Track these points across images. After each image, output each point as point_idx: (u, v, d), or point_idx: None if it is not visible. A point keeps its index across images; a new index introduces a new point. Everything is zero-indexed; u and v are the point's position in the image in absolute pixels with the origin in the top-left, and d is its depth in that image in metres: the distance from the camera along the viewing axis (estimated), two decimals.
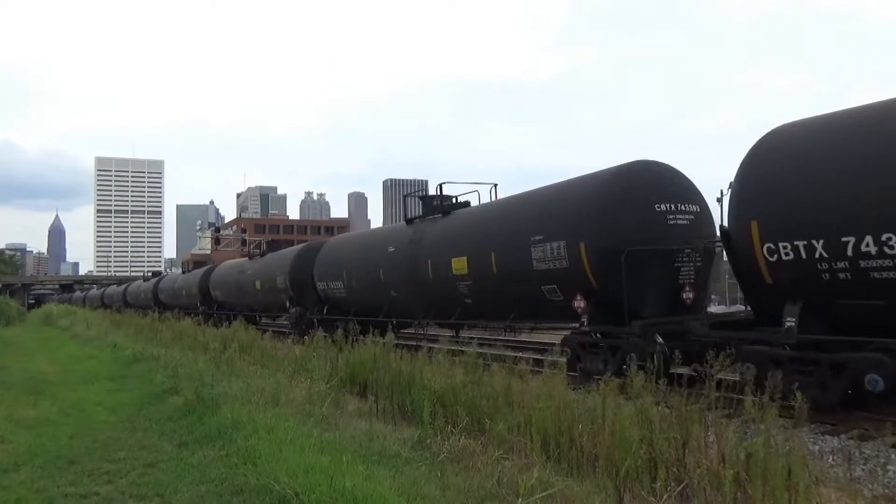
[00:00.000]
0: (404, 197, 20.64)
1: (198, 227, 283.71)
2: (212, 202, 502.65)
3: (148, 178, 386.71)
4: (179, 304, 41.81)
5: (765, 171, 9.24)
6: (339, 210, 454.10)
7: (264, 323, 33.02)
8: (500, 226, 14.33)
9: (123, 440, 8.07)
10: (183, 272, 46.19)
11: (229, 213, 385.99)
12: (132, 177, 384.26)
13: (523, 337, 17.91)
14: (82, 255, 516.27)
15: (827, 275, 8.29)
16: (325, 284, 22.40)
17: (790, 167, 8.90)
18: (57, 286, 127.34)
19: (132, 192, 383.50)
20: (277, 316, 30.50)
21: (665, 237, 11.32)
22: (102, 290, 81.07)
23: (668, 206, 11.56)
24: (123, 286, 66.81)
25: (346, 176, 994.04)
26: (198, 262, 50.25)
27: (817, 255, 8.29)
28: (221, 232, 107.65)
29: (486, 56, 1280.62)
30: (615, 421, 5.92)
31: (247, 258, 32.70)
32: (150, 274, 64.42)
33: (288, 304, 25.06)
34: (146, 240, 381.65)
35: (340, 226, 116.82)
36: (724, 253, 10.24)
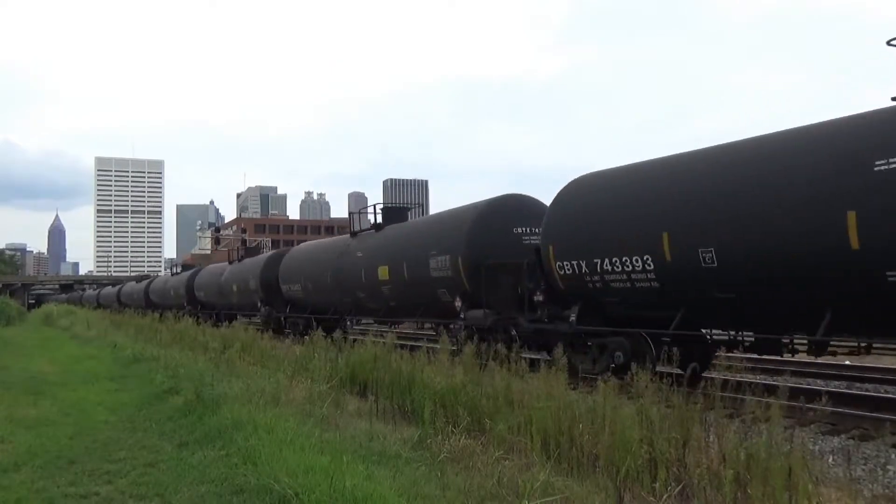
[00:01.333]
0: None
1: (198, 227, 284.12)
2: (212, 202, 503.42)
3: (148, 178, 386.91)
4: (227, 303, 32.96)
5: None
6: (339, 210, 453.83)
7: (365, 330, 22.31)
8: None
9: (123, 440, 8.06)
10: (230, 262, 35.31)
11: (229, 213, 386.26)
12: (132, 177, 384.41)
13: None
14: (82, 255, 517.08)
15: None
16: (598, 266, 11.17)
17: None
18: (57, 286, 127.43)
19: (132, 192, 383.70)
20: (396, 322, 20.36)
21: None
22: (119, 287, 69.81)
23: None
24: (145, 283, 55.92)
25: (346, 176, 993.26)
26: (252, 250, 38.57)
27: None
28: (221, 232, 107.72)
29: (486, 56, 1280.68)
30: (615, 421, 5.92)
31: (347, 235, 22.32)
32: (178, 268, 52.70)
33: (458, 304, 14.77)
34: (146, 240, 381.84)
35: (341, 225, 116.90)
36: None
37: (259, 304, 27.42)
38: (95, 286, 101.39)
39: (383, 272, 18.18)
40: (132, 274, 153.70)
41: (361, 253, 19.97)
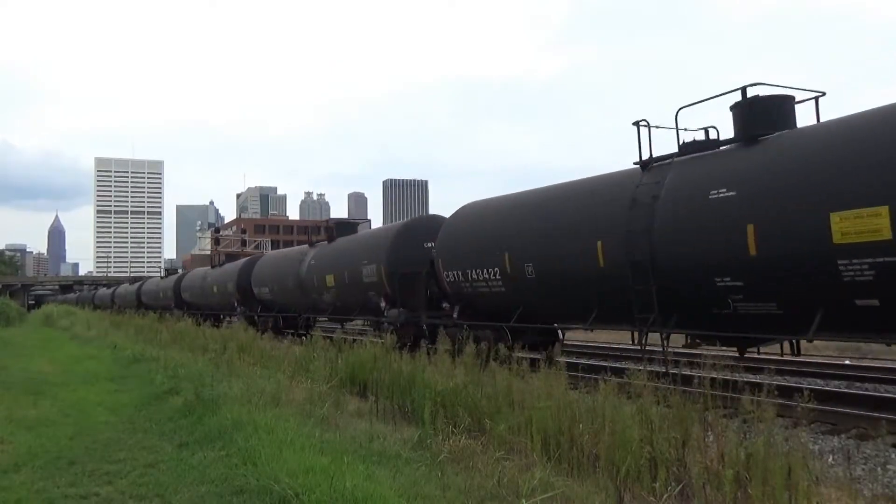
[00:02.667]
0: None
1: (198, 228, 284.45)
2: (211, 202, 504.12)
3: (148, 178, 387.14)
4: (311, 302, 22.70)
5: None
6: (338, 210, 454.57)
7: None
8: None
9: (123, 441, 8.06)
10: (312, 244, 24.46)
11: (229, 213, 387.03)
12: (132, 177, 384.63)
13: None
14: (82, 255, 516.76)
15: None
16: None
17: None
18: (57, 287, 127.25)
19: (132, 192, 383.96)
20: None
21: None
22: (139, 284, 58.40)
23: None
24: (173, 279, 44.53)
25: (346, 176, 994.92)
26: (346, 225, 24.06)
27: None
28: (221, 232, 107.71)
29: (486, 56, 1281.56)
30: (615, 421, 5.92)
31: (634, 167, 11.41)
32: (223, 259, 38.38)
33: None
34: (146, 240, 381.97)
35: None
36: None
37: (383, 305, 17.58)
38: (109, 285, 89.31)
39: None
40: (132, 275, 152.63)
41: (734, 192, 9.36)
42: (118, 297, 64.14)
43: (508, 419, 6.83)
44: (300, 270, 23.32)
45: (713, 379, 5.94)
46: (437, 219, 17.87)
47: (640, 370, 6.46)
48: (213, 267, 36.23)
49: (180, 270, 52.93)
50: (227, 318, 29.44)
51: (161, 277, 51.18)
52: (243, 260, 32.26)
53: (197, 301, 36.42)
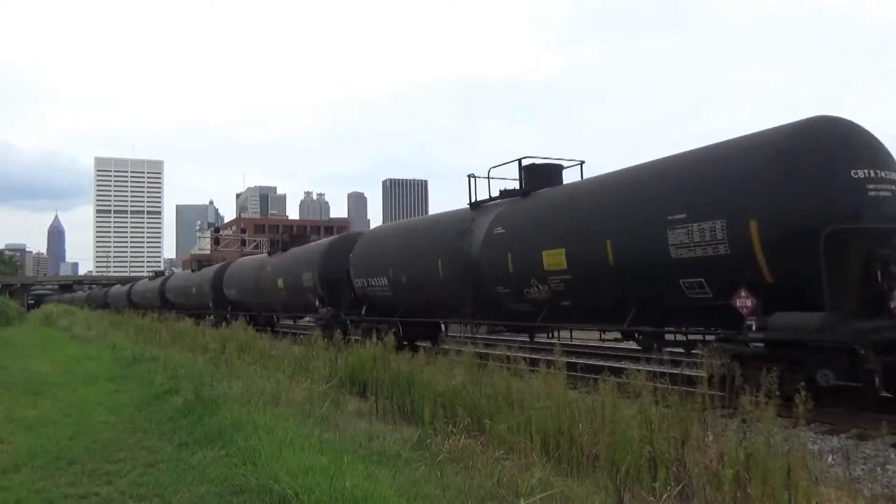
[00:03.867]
0: None
1: (197, 228, 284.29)
2: (211, 202, 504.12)
3: (147, 178, 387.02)
4: (498, 298, 13.62)
5: None
6: (338, 210, 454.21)
7: None
8: None
9: (123, 441, 8.06)
10: (474, 205, 15.45)
11: (229, 213, 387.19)
12: (132, 177, 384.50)
13: None
14: (82, 255, 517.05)
15: None
16: None
17: None
18: (56, 286, 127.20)
19: (132, 192, 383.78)
20: None
21: None
22: (162, 280, 47.83)
23: None
24: (211, 270, 34.46)
25: (346, 176, 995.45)
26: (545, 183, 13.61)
27: None
28: (221, 232, 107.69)
29: (486, 56, 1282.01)
30: (615, 420, 5.92)
31: None
32: (285, 238, 29.10)
33: None
34: (146, 240, 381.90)
35: (340, 226, 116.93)
36: None
37: (746, 304, 8.87)
38: (123, 283, 77.40)
39: None
40: (131, 274, 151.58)
41: None
42: (136, 296, 54.31)
43: (508, 419, 6.83)
44: (464, 247, 14.76)
45: (711, 377, 5.96)
46: (845, 124, 8.81)
47: (639, 370, 6.46)
48: (269, 254, 27.49)
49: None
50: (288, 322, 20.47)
51: (192, 270, 41.29)
52: (329, 239, 23.43)
53: (245, 299, 27.58)
